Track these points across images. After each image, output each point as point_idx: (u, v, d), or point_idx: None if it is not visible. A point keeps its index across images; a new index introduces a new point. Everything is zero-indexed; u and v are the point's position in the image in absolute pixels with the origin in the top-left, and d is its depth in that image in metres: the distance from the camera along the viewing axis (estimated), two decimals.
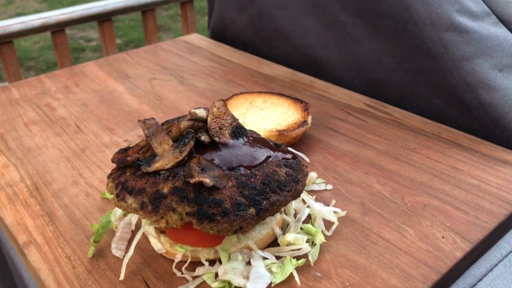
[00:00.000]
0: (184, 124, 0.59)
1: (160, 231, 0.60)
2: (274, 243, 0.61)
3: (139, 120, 0.58)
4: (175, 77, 1.14)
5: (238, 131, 0.60)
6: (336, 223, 0.63)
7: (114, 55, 1.30)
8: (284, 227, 0.64)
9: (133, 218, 0.65)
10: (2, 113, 1.00)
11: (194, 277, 0.57)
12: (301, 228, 0.62)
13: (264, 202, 0.53)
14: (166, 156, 0.55)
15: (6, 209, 0.70)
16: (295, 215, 0.64)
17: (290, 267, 0.56)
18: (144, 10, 2.12)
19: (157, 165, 0.55)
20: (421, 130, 0.86)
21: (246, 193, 0.52)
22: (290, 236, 0.59)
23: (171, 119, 0.64)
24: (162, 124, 0.62)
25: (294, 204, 0.65)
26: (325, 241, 0.61)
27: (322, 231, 0.62)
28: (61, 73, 1.19)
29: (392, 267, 0.57)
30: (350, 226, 0.64)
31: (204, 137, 0.57)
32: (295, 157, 0.60)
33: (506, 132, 0.80)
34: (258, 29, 1.23)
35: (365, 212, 0.66)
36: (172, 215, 0.51)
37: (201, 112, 0.60)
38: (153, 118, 0.58)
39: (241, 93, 0.93)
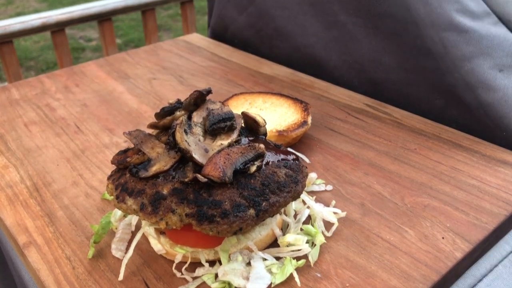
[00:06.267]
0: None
1: (160, 232, 0.60)
2: (274, 244, 0.61)
3: (124, 133, 0.59)
4: (175, 77, 1.14)
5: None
6: (336, 224, 0.63)
7: (114, 55, 1.30)
8: (284, 228, 0.64)
9: (133, 219, 0.65)
10: (2, 113, 1.00)
11: (194, 278, 0.57)
12: (301, 229, 0.62)
13: (264, 203, 0.53)
14: (162, 158, 0.55)
15: (6, 210, 0.70)
16: (295, 216, 0.64)
17: (290, 267, 0.56)
18: (144, 10, 2.11)
19: (154, 168, 0.55)
20: (421, 130, 0.86)
21: (246, 194, 0.52)
22: (290, 237, 0.59)
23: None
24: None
25: (294, 205, 0.65)
26: (325, 241, 0.61)
27: (322, 232, 0.62)
28: (61, 73, 1.19)
29: (392, 267, 0.57)
30: (350, 227, 0.64)
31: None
32: (296, 158, 0.60)
33: (506, 133, 0.80)
34: (258, 29, 1.22)
35: (365, 213, 0.66)
36: (172, 217, 0.51)
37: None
38: (138, 129, 0.59)
39: (241, 93, 0.93)
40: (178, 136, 0.55)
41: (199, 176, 0.51)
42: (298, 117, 0.83)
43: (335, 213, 0.65)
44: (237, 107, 0.88)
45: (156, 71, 1.17)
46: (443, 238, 0.61)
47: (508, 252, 0.65)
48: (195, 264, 0.58)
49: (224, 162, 0.53)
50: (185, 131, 0.56)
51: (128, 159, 0.57)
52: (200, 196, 0.52)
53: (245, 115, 0.64)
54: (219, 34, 1.38)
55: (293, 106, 0.87)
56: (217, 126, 0.58)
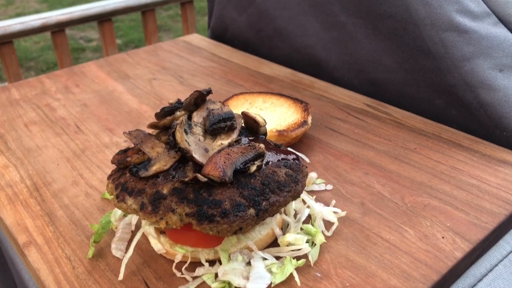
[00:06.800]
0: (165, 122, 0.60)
1: (160, 232, 0.60)
2: (274, 243, 0.61)
3: (124, 133, 0.59)
4: (175, 77, 1.14)
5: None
6: (336, 224, 0.63)
7: (114, 55, 1.30)
8: (284, 228, 0.64)
9: (133, 218, 0.65)
10: (2, 113, 1.00)
11: (194, 278, 0.57)
12: (301, 229, 0.62)
13: (264, 203, 0.53)
14: (162, 158, 0.55)
15: (6, 209, 0.70)
16: (295, 216, 0.64)
17: (290, 267, 0.56)
18: (144, 10, 2.12)
19: (154, 168, 0.55)
20: (421, 130, 0.86)
21: (246, 193, 0.52)
22: (290, 237, 0.59)
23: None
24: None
25: (294, 205, 0.65)
26: (325, 241, 0.61)
27: (322, 232, 0.62)
28: (61, 73, 1.19)
29: (392, 267, 0.57)
30: (350, 226, 0.64)
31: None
32: (296, 157, 0.60)
33: (506, 132, 0.80)
34: (258, 29, 1.23)
35: (365, 213, 0.66)
36: (172, 216, 0.51)
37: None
38: (138, 129, 0.60)
39: (241, 93, 0.93)
40: (178, 135, 0.55)
41: (199, 175, 0.51)
42: (298, 117, 0.83)
43: (335, 212, 0.65)
44: (237, 107, 0.88)
45: (156, 72, 1.17)
46: (443, 237, 0.61)
47: (508, 252, 0.65)
48: (195, 264, 0.58)
49: (224, 162, 0.53)
50: (185, 131, 0.56)
51: (128, 159, 0.57)
52: (200, 196, 0.52)
53: (245, 115, 0.64)
54: (219, 34, 1.38)
55: (293, 106, 0.87)
56: (217, 126, 0.58)
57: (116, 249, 0.62)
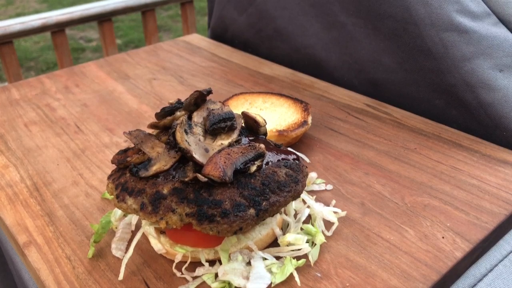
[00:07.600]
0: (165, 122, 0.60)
1: (160, 232, 0.60)
2: (274, 243, 0.61)
3: (124, 133, 0.59)
4: (175, 77, 1.14)
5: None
6: (336, 223, 0.63)
7: (114, 55, 1.30)
8: (284, 228, 0.64)
9: (133, 218, 0.65)
10: (2, 113, 1.00)
11: (194, 278, 0.57)
12: (301, 229, 0.62)
13: (264, 203, 0.53)
14: (162, 158, 0.55)
15: (6, 209, 0.70)
16: (295, 216, 0.64)
17: (290, 267, 0.56)
18: (144, 10, 2.12)
19: (154, 168, 0.55)
20: (421, 130, 0.86)
21: (246, 193, 0.52)
22: (290, 237, 0.59)
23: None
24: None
25: (294, 205, 0.65)
26: (325, 241, 0.61)
27: (322, 231, 0.62)
28: (61, 74, 1.19)
29: (392, 267, 0.57)
30: (350, 226, 0.64)
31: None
32: (296, 157, 0.60)
33: (506, 132, 0.80)
34: (258, 29, 1.23)
35: (365, 212, 0.66)
36: (172, 216, 0.51)
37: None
38: (138, 129, 0.60)
39: (241, 93, 0.93)
40: (178, 136, 0.55)
41: (199, 175, 0.51)
42: (298, 117, 0.83)
43: (335, 212, 0.65)
44: (237, 107, 0.88)
45: (156, 72, 1.17)
46: (443, 237, 0.61)
47: (508, 252, 0.65)
48: (195, 264, 0.58)
49: (225, 162, 0.53)
50: (186, 131, 0.56)
51: (128, 159, 0.57)
52: (200, 196, 0.52)
53: (245, 115, 0.64)
54: (219, 34, 1.38)
55: (293, 106, 0.87)
56: (218, 126, 0.58)
57: (116, 249, 0.62)
